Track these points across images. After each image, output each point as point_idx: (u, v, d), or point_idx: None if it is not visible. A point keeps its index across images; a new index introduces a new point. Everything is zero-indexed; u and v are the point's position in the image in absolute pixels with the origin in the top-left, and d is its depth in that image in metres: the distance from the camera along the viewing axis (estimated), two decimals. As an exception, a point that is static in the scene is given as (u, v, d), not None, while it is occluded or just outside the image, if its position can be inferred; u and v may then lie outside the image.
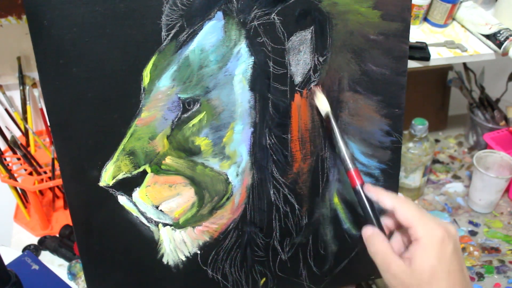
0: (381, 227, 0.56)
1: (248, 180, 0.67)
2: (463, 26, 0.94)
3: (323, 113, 0.65)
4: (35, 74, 0.99)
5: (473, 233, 0.96)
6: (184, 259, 0.69)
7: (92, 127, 0.61)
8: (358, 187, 0.58)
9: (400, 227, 0.56)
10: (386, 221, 0.57)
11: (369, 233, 0.55)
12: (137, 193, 0.65)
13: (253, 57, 0.63)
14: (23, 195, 0.98)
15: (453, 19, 0.95)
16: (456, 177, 1.10)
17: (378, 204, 0.56)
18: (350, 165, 0.60)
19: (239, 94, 0.63)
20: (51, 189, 0.99)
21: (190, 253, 0.69)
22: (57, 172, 0.90)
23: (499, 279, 0.87)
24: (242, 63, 0.62)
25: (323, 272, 0.75)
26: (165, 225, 0.67)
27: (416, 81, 1.13)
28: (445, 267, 0.50)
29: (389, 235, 0.56)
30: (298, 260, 0.73)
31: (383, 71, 0.68)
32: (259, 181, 0.68)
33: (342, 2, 0.63)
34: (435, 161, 1.15)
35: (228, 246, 0.70)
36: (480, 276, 0.87)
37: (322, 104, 0.65)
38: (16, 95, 1.02)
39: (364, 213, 0.58)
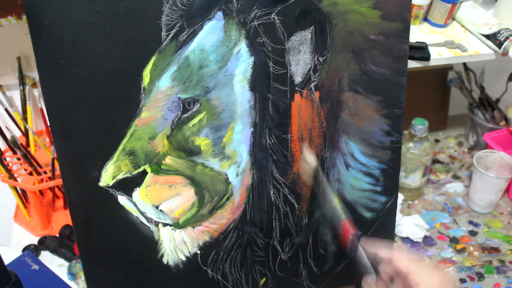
0: (379, 276, 0.58)
1: (248, 180, 0.67)
2: (463, 26, 0.94)
3: (311, 168, 0.67)
4: (35, 74, 0.99)
5: (473, 233, 0.96)
6: (184, 259, 0.69)
7: (92, 127, 0.61)
8: (355, 241, 0.61)
9: (398, 274, 0.57)
10: (384, 268, 0.58)
11: (370, 282, 0.58)
12: (137, 193, 0.65)
13: (253, 57, 0.63)
14: (23, 195, 0.98)
15: (453, 19, 0.95)
16: (456, 177, 1.10)
17: (376, 254, 0.58)
18: (342, 216, 0.63)
19: (239, 94, 0.63)
20: (51, 189, 0.99)
21: (190, 253, 0.69)
22: (57, 172, 0.90)
23: (499, 279, 0.87)
24: (242, 63, 0.62)
25: (323, 272, 0.75)
26: (165, 225, 0.67)
27: (416, 81, 1.13)
28: None
29: (389, 282, 0.58)
30: (298, 260, 0.73)
31: (383, 71, 0.68)
32: (259, 181, 0.67)
33: (342, 2, 0.63)
34: (435, 161, 1.15)
35: (228, 246, 0.70)
36: (480, 276, 0.87)
37: (310, 159, 0.67)
38: (16, 95, 1.01)
39: (362, 264, 0.60)
